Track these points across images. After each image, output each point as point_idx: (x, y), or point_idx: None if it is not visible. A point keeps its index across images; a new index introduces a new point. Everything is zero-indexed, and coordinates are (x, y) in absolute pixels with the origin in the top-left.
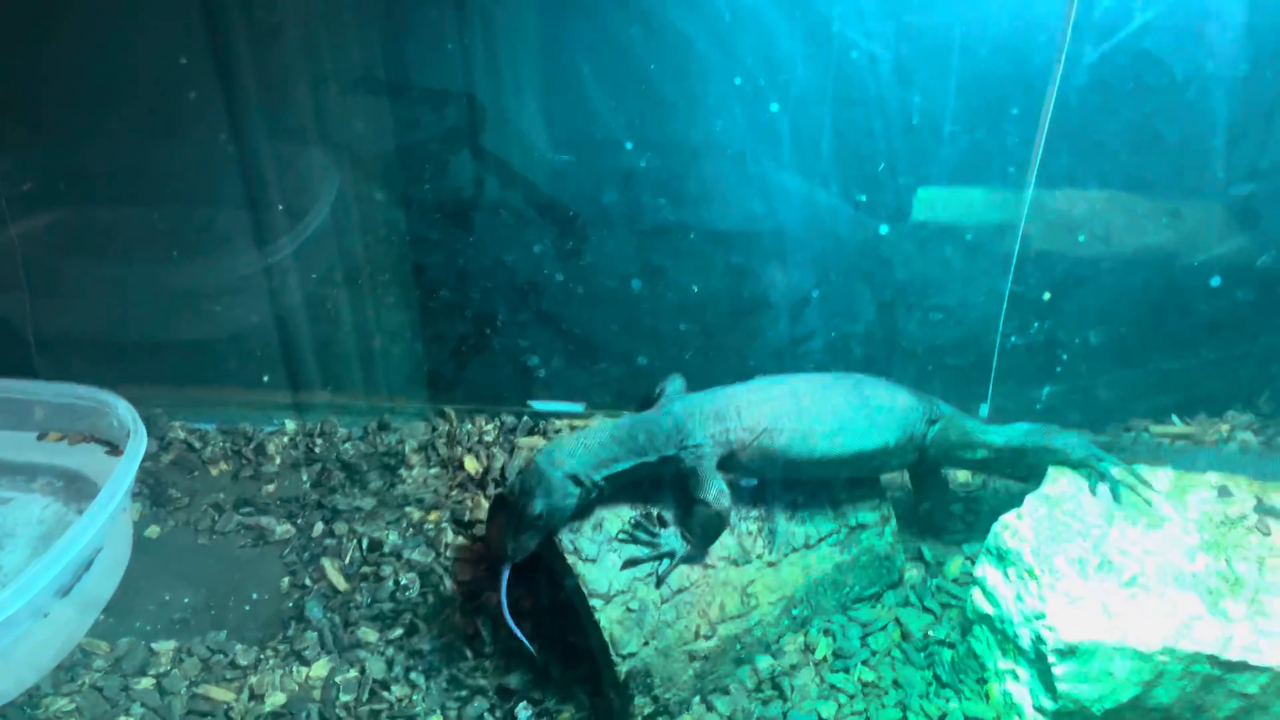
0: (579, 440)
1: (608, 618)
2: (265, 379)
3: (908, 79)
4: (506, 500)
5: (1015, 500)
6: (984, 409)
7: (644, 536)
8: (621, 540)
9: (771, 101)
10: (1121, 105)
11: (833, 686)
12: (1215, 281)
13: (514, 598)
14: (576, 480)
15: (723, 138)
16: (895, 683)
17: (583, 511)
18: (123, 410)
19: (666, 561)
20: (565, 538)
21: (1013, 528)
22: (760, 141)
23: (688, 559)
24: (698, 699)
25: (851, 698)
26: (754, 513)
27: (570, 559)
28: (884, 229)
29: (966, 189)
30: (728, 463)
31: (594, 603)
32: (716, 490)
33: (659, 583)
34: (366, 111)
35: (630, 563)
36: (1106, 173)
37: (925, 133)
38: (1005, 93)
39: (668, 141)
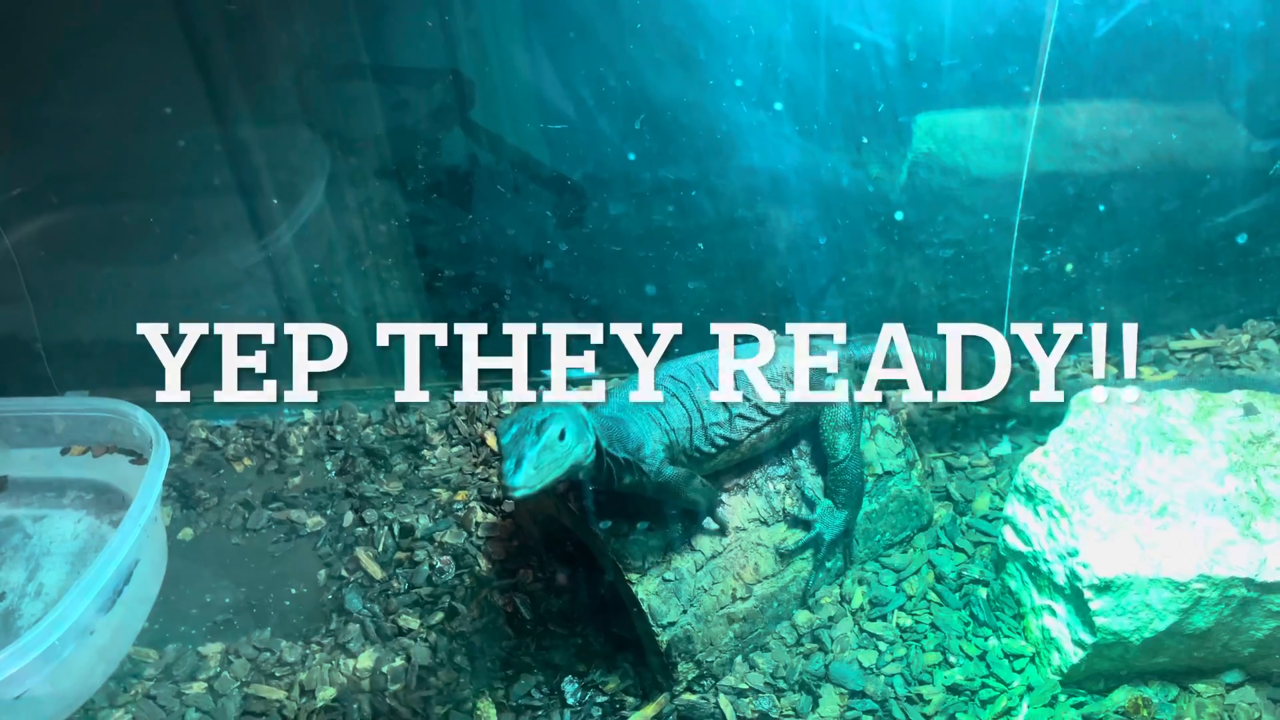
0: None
1: (645, 590)
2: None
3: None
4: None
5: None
6: None
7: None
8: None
9: (764, 49)
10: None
11: (871, 635)
12: (1223, 188)
13: (550, 572)
14: None
15: (717, 90)
16: (933, 625)
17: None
18: (142, 418)
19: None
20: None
21: (1040, 466)
22: (756, 90)
23: (711, 509)
24: (739, 659)
25: (891, 644)
26: (780, 471)
27: (603, 536)
28: (887, 169)
29: (969, 119)
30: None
31: (630, 576)
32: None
33: (724, 531)
34: (355, 96)
35: (668, 541)
36: (1111, 89)
37: (923, 68)
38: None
39: (661, 100)
